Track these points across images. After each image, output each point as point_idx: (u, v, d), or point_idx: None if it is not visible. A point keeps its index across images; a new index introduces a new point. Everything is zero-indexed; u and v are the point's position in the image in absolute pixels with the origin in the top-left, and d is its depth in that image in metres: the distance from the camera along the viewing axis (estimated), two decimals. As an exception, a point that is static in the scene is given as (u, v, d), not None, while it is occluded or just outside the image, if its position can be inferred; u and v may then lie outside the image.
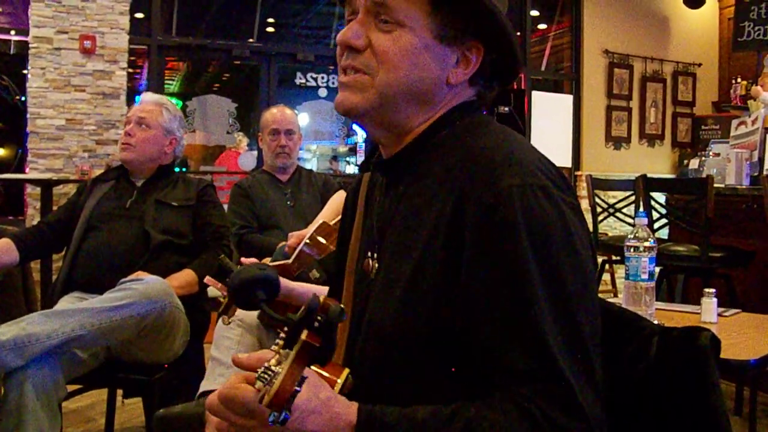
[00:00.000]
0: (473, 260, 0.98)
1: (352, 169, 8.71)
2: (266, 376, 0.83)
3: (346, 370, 1.04)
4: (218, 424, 1.04)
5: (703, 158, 4.72)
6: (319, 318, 0.87)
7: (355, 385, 1.03)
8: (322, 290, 1.48)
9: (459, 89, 1.14)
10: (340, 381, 1.02)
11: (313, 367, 0.99)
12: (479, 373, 0.96)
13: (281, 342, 0.89)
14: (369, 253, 1.18)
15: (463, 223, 0.99)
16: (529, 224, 0.96)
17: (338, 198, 3.14)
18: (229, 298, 1.27)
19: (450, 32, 1.08)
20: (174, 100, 4.88)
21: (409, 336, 1.02)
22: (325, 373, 1.01)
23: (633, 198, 4.37)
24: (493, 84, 1.18)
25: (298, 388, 0.82)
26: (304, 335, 0.86)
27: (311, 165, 8.46)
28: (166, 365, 2.53)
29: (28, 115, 5.67)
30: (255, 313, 2.33)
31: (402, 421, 0.92)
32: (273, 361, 0.85)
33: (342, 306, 0.90)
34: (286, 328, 0.90)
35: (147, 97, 2.98)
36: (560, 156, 8.15)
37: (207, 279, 1.67)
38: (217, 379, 2.28)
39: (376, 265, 1.15)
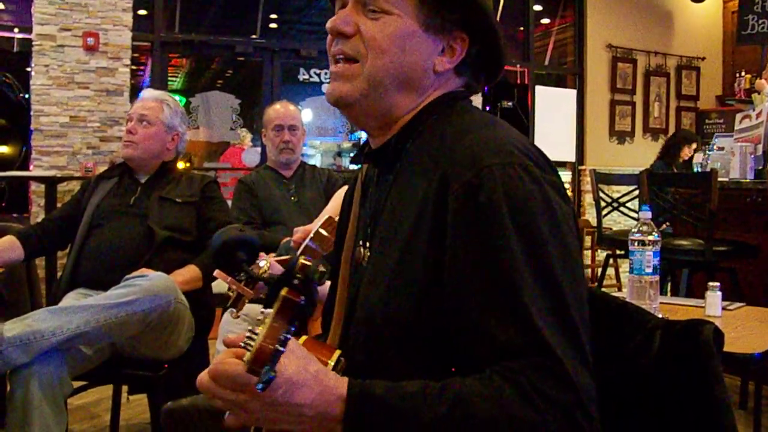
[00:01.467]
0: (457, 239, 0.99)
1: (351, 161, 8.71)
2: (251, 341, 0.83)
3: (338, 351, 1.05)
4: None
5: (707, 152, 4.70)
6: (298, 275, 0.87)
7: (348, 371, 1.03)
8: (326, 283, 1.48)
9: (445, 78, 1.17)
10: (331, 362, 1.03)
11: (306, 346, 0.99)
12: (468, 352, 0.97)
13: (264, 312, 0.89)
14: (361, 242, 1.20)
15: (446, 205, 1.01)
16: (511, 202, 0.97)
17: (343, 193, 3.14)
18: (213, 260, 1.28)
19: (436, 21, 1.12)
20: (177, 97, 4.88)
21: (398, 320, 1.03)
22: (317, 354, 1.01)
23: (637, 192, 4.37)
24: (480, 77, 1.21)
25: (281, 348, 0.81)
26: (283, 291, 0.86)
27: (315, 161, 8.44)
28: (168, 362, 2.53)
29: (31, 113, 5.67)
30: (260, 308, 2.33)
31: (391, 393, 0.92)
32: (259, 328, 0.85)
33: (323, 270, 0.91)
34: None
35: (147, 94, 2.98)
36: (564, 150, 8.15)
37: (217, 272, 1.67)
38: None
39: (368, 253, 1.17)
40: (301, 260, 0.89)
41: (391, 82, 1.13)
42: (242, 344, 0.85)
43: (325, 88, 6.83)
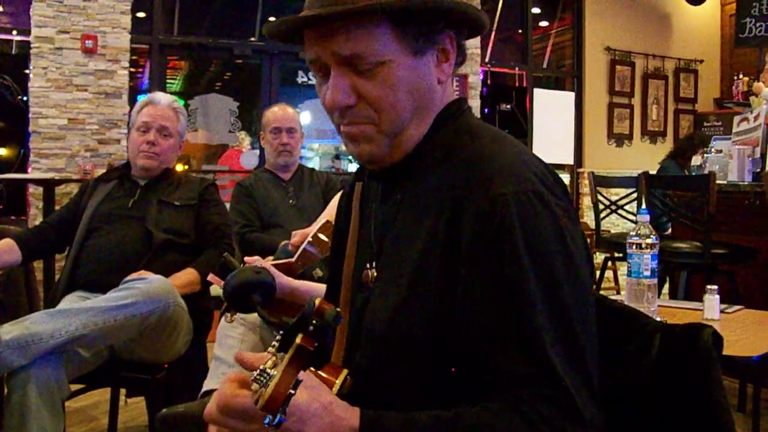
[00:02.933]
0: (470, 267, 0.98)
1: (354, 168, 8.69)
2: (262, 378, 0.84)
3: (345, 371, 1.04)
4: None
5: (705, 155, 4.71)
6: (314, 322, 0.87)
7: (354, 391, 1.03)
8: (324, 289, 1.48)
9: (447, 81, 1.15)
10: (338, 381, 1.02)
11: (311, 368, 0.99)
12: (477, 378, 0.97)
13: (277, 344, 0.89)
14: (368, 264, 1.17)
15: (459, 231, 1.00)
16: (525, 231, 0.96)
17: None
18: (226, 302, 1.27)
19: (422, 41, 1.08)
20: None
21: (406, 343, 1.02)
22: (323, 374, 1.01)
23: (635, 195, 4.37)
24: (464, 50, 1.17)
25: (292, 392, 0.82)
26: (298, 339, 0.87)
27: (313, 164, 8.44)
28: (166, 365, 2.53)
29: (30, 115, 5.68)
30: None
31: (403, 425, 0.92)
32: (269, 363, 0.85)
33: (338, 310, 0.90)
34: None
35: (161, 101, 2.93)
36: (562, 153, 8.15)
37: (210, 277, 1.67)
38: (220, 378, 2.28)
39: (375, 273, 1.15)
40: (317, 303, 0.89)
41: (408, 119, 1.10)
42: (253, 378, 0.85)
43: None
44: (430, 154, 1.12)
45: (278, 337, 0.90)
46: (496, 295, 0.96)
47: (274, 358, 0.86)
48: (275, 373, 0.83)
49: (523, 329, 0.94)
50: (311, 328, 0.87)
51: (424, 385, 1.02)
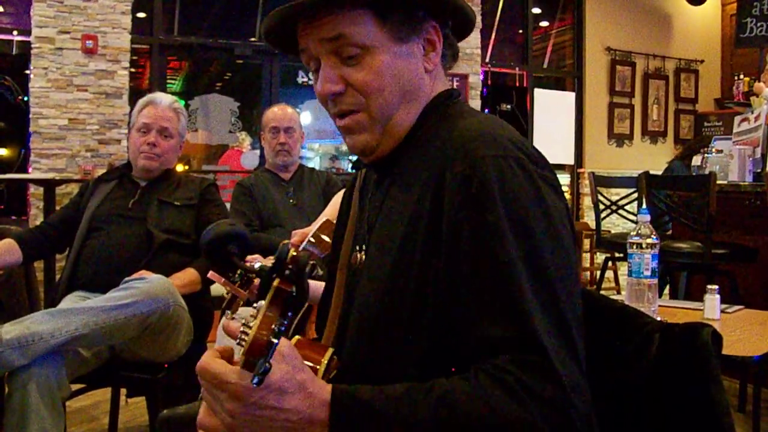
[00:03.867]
0: (451, 230, 0.99)
1: (352, 167, 8.69)
2: (244, 335, 0.83)
3: (331, 350, 1.04)
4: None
5: (706, 155, 4.71)
6: (290, 266, 0.86)
7: (343, 371, 1.04)
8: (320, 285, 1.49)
9: (435, 70, 1.17)
10: (324, 360, 1.03)
11: (299, 346, 0.99)
12: (460, 346, 0.96)
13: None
14: (358, 247, 1.21)
15: (441, 199, 1.01)
16: (504, 193, 0.97)
17: (341, 196, 3.14)
18: (204, 255, 1.28)
19: (405, 30, 1.11)
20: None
21: (394, 320, 1.03)
22: (310, 353, 1.02)
23: (635, 195, 4.37)
24: (454, 44, 1.21)
25: (275, 340, 0.81)
26: (276, 282, 0.86)
27: (314, 163, 8.44)
28: (166, 364, 2.53)
29: (30, 115, 5.68)
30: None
31: (376, 397, 0.92)
32: (251, 319, 0.84)
33: (312, 263, 0.91)
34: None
35: (162, 101, 2.93)
36: (563, 153, 8.15)
37: (210, 274, 1.67)
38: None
39: (363, 257, 1.17)
40: (292, 251, 0.88)
41: (397, 105, 1.12)
42: (237, 340, 0.85)
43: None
44: (417, 142, 1.14)
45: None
46: (476, 258, 0.96)
47: (254, 311, 0.86)
48: (255, 321, 0.83)
49: (503, 292, 0.94)
50: (287, 272, 0.86)
51: (412, 364, 1.02)
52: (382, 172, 1.21)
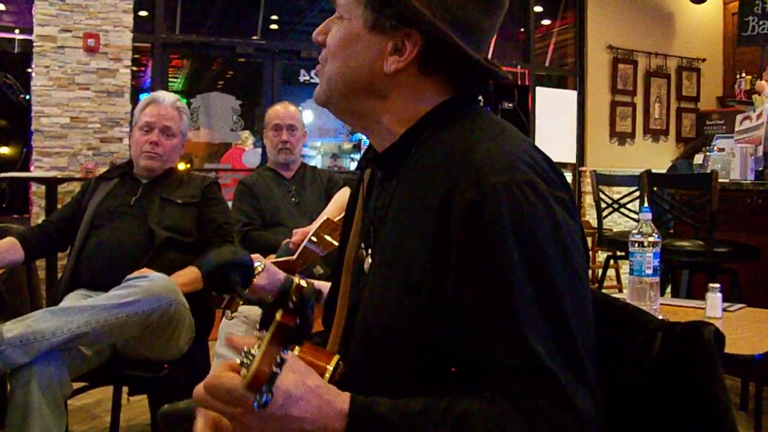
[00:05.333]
0: (460, 258, 0.97)
1: (356, 166, 8.70)
2: (247, 360, 0.83)
3: (337, 357, 1.04)
4: (206, 413, 1.07)
5: (708, 153, 4.70)
6: (293, 299, 0.87)
7: (348, 380, 1.03)
8: (325, 285, 1.48)
9: (406, 79, 1.12)
10: (330, 367, 1.03)
11: (304, 354, 0.99)
12: (467, 368, 0.96)
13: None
14: (363, 246, 1.20)
15: (449, 221, 0.98)
16: (515, 222, 0.94)
17: (343, 195, 3.14)
18: (204, 283, 1.27)
19: (382, 22, 1.09)
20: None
21: (399, 336, 1.02)
22: (315, 360, 1.01)
23: (637, 193, 4.37)
24: (460, 76, 1.14)
25: (277, 370, 0.81)
26: (278, 316, 0.85)
27: (316, 162, 8.45)
28: (168, 363, 2.53)
29: (32, 114, 5.68)
30: (259, 311, 2.33)
31: (395, 412, 0.91)
32: (254, 344, 0.84)
33: (318, 289, 0.90)
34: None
35: (165, 99, 2.93)
36: (564, 152, 8.14)
37: None
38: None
39: (369, 260, 1.16)
40: (296, 281, 0.88)
41: (343, 85, 1.15)
42: (239, 361, 0.85)
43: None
44: (424, 144, 1.11)
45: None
46: (484, 287, 0.94)
47: (258, 340, 0.86)
48: (257, 351, 0.83)
49: (510, 322, 0.92)
50: (291, 305, 0.86)
51: (416, 376, 1.01)
52: (386, 171, 1.19)
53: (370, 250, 1.17)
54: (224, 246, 1.25)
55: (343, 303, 1.24)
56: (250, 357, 0.82)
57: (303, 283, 0.88)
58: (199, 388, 0.91)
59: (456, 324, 0.97)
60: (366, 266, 1.17)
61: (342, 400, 0.92)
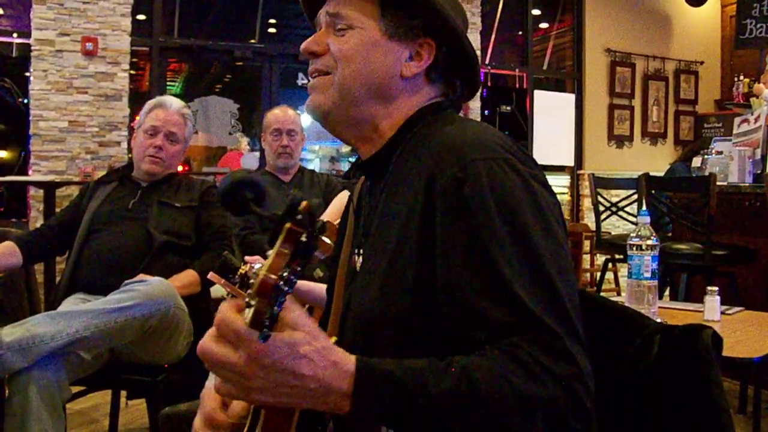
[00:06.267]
0: (446, 232, 1.01)
1: (344, 175, 8.72)
2: (251, 284, 0.81)
3: (333, 338, 1.04)
4: (204, 411, 1.08)
5: (706, 156, 4.71)
6: (301, 212, 0.86)
7: None
8: (324, 288, 1.49)
9: (416, 84, 1.21)
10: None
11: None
12: (466, 338, 0.97)
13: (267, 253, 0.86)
14: (356, 250, 1.24)
15: (433, 201, 1.03)
16: (496, 193, 1.00)
17: (342, 198, 3.14)
18: (221, 201, 1.28)
19: (399, 30, 1.19)
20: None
21: (390, 320, 1.04)
22: None
23: (635, 196, 4.37)
24: (456, 83, 1.25)
25: (285, 287, 0.79)
26: (287, 225, 0.85)
27: (314, 165, 8.45)
28: (166, 366, 2.53)
29: (30, 118, 5.68)
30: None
31: (399, 368, 0.92)
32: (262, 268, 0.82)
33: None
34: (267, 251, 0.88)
35: (172, 105, 2.92)
36: (563, 155, 8.15)
37: (211, 275, 1.67)
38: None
39: (360, 260, 1.20)
40: (304, 201, 0.88)
41: (360, 89, 1.18)
42: (245, 299, 0.84)
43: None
44: (407, 147, 1.17)
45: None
46: (472, 255, 0.98)
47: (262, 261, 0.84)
48: (267, 261, 0.81)
49: (501, 283, 0.96)
50: (299, 217, 0.86)
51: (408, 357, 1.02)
52: (373, 177, 1.25)
53: (361, 251, 1.21)
54: (237, 170, 1.28)
55: (337, 305, 1.27)
56: (255, 277, 0.80)
57: (309, 203, 0.88)
58: (204, 339, 0.90)
59: (447, 294, 1.00)
60: (357, 267, 1.21)
61: (348, 360, 0.92)
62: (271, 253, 0.83)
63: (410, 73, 1.19)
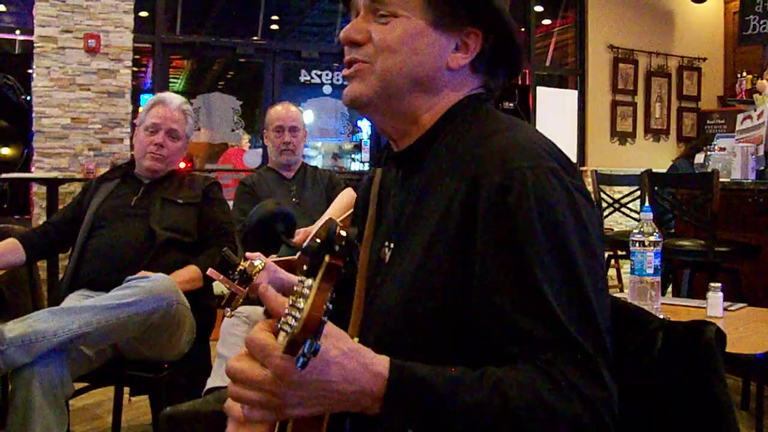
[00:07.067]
0: (486, 239, 1.00)
1: (356, 166, 8.71)
2: (293, 312, 0.80)
3: (355, 339, 1.03)
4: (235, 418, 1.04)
5: (709, 153, 4.70)
6: (339, 243, 0.85)
7: None
8: None
9: (461, 75, 1.17)
10: None
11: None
12: (498, 347, 0.97)
13: (303, 278, 0.85)
14: (386, 243, 1.20)
15: (475, 205, 1.01)
16: (540, 203, 0.98)
17: (345, 196, 3.15)
18: (250, 237, 1.26)
19: (446, 20, 1.14)
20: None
21: (418, 317, 1.04)
22: None
23: (638, 193, 4.37)
24: (498, 72, 1.21)
25: (325, 318, 0.79)
26: (327, 258, 0.84)
27: (316, 162, 8.45)
28: (169, 363, 2.53)
29: (33, 115, 5.68)
30: (261, 310, 2.32)
31: (433, 375, 0.91)
32: (299, 300, 0.81)
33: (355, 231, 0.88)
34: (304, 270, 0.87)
35: (172, 102, 2.93)
36: (565, 151, 8.09)
37: (210, 271, 1.67)
38: (224, 376, 2.28)
39: (389, 253, 1.18)
40: (339, 228, 0.87)
41: (404, 81, 1.14)
42: (279, 323, 0.83)
43: (326, 89, 6.80)
44: (445, 139, 1.15)
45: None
46: (511, 265, 0.97)
47: (296, 297, 0.83)
48: (308, 295, 0.80)
49: (538, 297, 0.95)
50: (337, 248, 0.85)
51: (438, 361, 1.00)
52: (406, 169, 1.21)
53: (392, 245, 1.18)
54: (266, 201, 1.26)
55: (358, 304, 1.23)
56: (297, 308, 0.80)
57: (343, 227, 0.86)
58: (231, 361, 0.89)
59: (481, 299, 0.99)
60: (386, 259, 1.18)
61: (379, 362, 0.91)
62: (312, 285, 0.82)
63: (457, 64, 1.15)
